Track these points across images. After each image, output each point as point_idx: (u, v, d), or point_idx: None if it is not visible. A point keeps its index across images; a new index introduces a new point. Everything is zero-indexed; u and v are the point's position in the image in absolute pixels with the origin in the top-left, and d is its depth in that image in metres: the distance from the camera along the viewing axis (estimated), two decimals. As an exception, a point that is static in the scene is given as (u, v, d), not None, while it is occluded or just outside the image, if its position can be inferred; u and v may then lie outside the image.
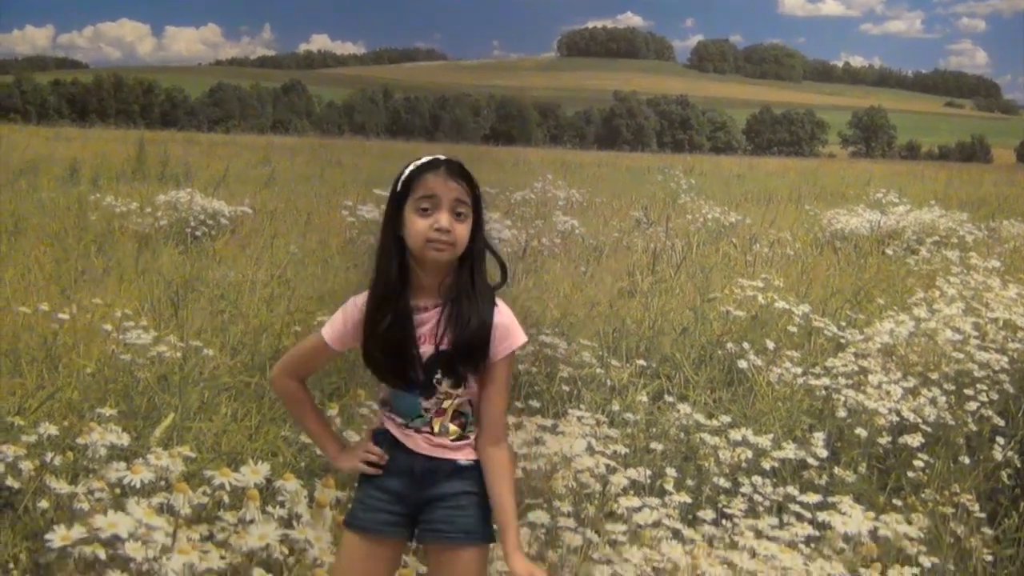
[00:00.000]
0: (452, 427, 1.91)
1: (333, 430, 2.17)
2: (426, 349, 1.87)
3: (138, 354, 3.73)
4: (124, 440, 2.70)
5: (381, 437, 1.94)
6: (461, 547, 1.89)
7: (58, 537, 2.05)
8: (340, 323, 1.92)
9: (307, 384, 2.03)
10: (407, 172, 1.87)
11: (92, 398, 3.48)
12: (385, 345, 1.86)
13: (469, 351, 1.86)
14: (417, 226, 1.82)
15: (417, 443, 1.90)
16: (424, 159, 1.88)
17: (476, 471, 1.91)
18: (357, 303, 1.91)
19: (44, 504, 2.51)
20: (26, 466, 2.59)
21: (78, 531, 2.08)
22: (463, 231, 1.83)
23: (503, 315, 1.90)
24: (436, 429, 1.90)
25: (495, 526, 1.89)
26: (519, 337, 1.91)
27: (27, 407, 3.26)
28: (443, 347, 1.86)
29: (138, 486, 2.38)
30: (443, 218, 1.81)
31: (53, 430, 2.76)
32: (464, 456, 1.91)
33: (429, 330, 1.87)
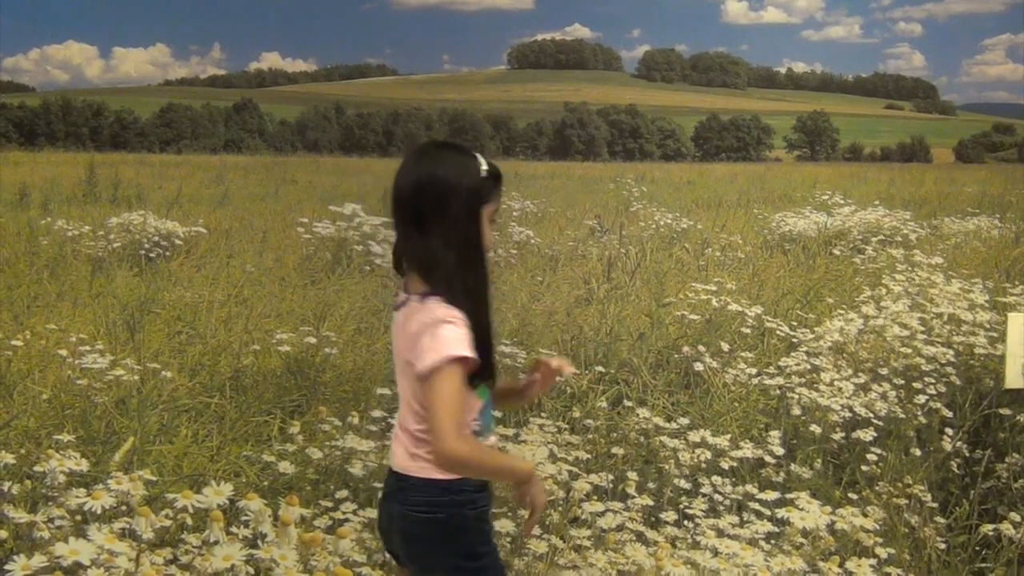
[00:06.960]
0: None
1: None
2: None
3: (95, 378, 3.67)
4: (83, 466, 2.67)
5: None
6: None
7: (18, 567, 2.03)
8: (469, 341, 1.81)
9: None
10: (485, 174, 1.82)
11: (49, 425, 3.43)
12: (491, 342, 1.89)
13: None
14: (489, 236, 1.88)
15: None
16: (490, 163, 1.84)
17: None
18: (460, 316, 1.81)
19: (3, 534, 2.46)
20: (-17, 497, 2.55)
21: (39, 560, 2.05)
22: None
23: None
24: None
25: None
26: None
27: (-19, 437, 3.20)
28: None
29: (99, 512, 2.36)
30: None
31: (10, 459, 2.72)
32: None
33: None
